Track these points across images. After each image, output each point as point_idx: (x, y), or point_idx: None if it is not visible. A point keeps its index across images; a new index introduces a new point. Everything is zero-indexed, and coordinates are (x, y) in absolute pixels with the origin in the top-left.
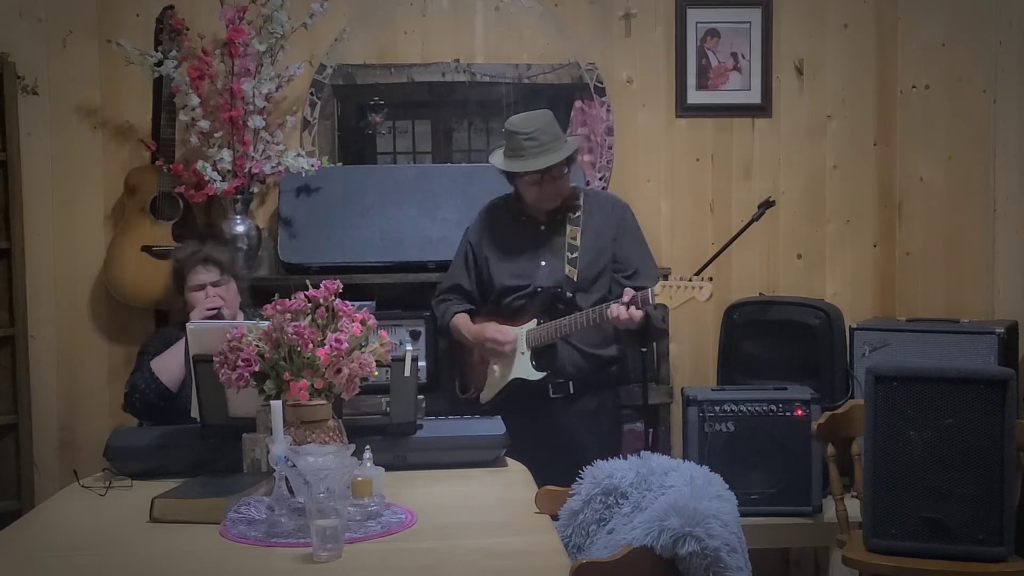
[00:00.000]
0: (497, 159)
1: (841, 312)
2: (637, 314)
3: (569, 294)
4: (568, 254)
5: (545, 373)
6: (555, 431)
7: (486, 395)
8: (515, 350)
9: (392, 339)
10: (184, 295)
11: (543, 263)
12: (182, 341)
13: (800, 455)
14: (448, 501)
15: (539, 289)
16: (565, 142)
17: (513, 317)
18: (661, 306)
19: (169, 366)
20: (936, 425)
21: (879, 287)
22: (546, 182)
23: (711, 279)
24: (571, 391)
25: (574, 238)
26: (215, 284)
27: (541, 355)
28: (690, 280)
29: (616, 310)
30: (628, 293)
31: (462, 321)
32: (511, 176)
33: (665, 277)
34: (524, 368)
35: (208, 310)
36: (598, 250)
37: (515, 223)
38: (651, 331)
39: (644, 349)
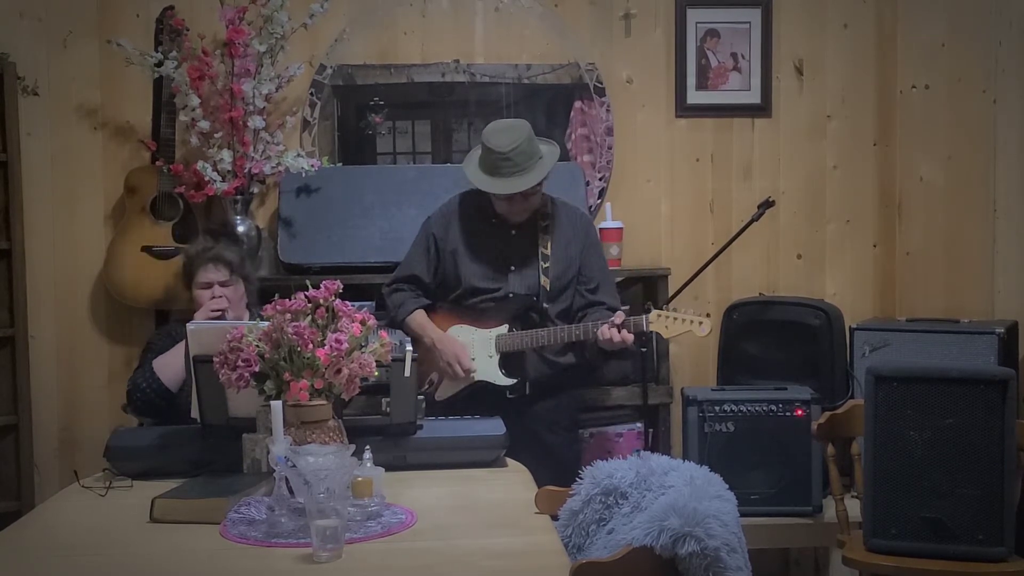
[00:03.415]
0: (472, 171)
1: (841, 312)
2: (629, 337)
3: (545, 304)
4: (542, 263)
5: (515, 380)
6: (512, 432)
7: (443, 393)
8: (470, 371)
9: (392, 339)
10: (191, 291)
11: (512, 268)
12: (184, 341)
13: (800, 455)
14: (448, 501)
15: (511, 295)
16: (540, 159)
17: (478, 319)
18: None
19: (170, 366)
20: (936, 425)
21: (879, 287)
22: (517, 199)
23: (708, 315)
24: (526, 392)
25: (546, 248)
26: (223, 284)
27: (509, 360)
28: (689, 314)
29: (608, 332)
30: (620, 316)
31: (424, 320)
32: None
33: (664, 278)
34: (492, 373)
35: (213, 311)
36: (567, 261)
37: (484, 223)
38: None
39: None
